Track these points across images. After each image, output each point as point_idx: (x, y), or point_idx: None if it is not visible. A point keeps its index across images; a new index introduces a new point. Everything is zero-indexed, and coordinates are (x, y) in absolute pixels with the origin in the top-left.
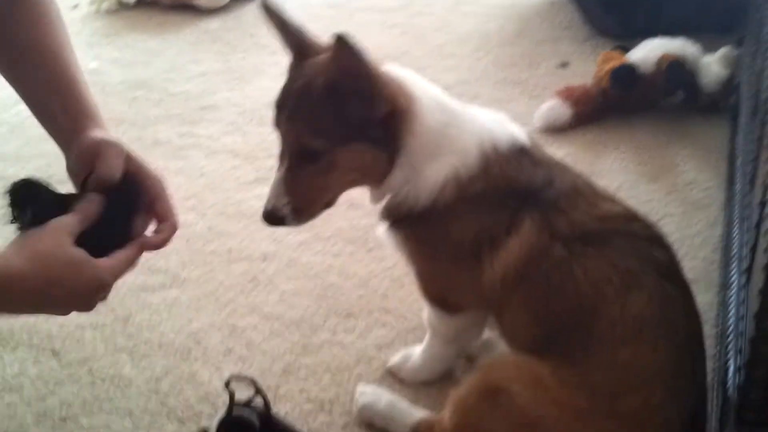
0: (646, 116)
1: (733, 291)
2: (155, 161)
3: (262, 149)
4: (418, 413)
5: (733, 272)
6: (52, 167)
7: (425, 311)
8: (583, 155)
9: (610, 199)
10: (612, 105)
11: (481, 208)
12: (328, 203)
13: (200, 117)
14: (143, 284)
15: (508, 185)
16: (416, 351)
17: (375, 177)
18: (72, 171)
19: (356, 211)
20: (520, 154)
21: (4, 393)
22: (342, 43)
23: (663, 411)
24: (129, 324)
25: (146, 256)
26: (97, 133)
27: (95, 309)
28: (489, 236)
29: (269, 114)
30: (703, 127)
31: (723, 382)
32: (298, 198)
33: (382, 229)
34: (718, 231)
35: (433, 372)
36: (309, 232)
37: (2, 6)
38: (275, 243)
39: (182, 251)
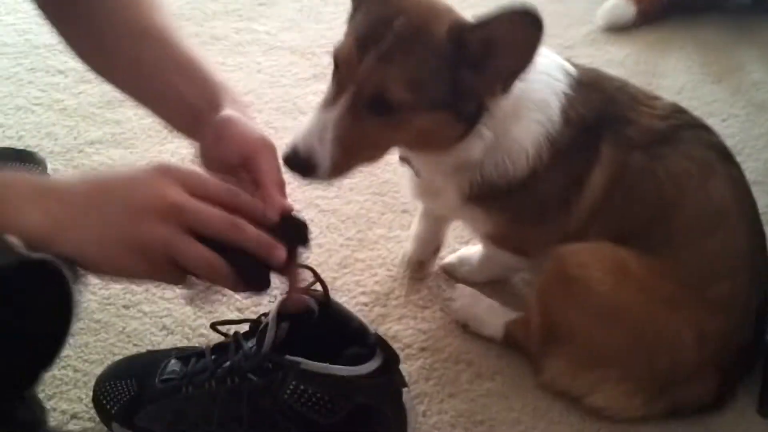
0: (712, 16)
1: None
2: (213, 57)
3: (320, 46)
4: (512, 314)
5: None
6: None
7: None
8: (646, 55)
9: (654, 96)
10: (677, 3)
11: (568, 157)
12: (369, 162)
13: (258, 13)
14: None
15: (583, 124)
16: (472, 253)
17: (440, 146)
18: (208, 158)
19: None
20: (580, 86)
21: None
22: (517, 24)
23: (746, 293)
24: None
25: None
26: (241, 122)
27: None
28: (576, 180)
29: (327, 10)
30: None
31: None
32: (345, 149)
33: (448, 206)
34: None
35: (491, 275)
36: None
37: None
38: None
39: None
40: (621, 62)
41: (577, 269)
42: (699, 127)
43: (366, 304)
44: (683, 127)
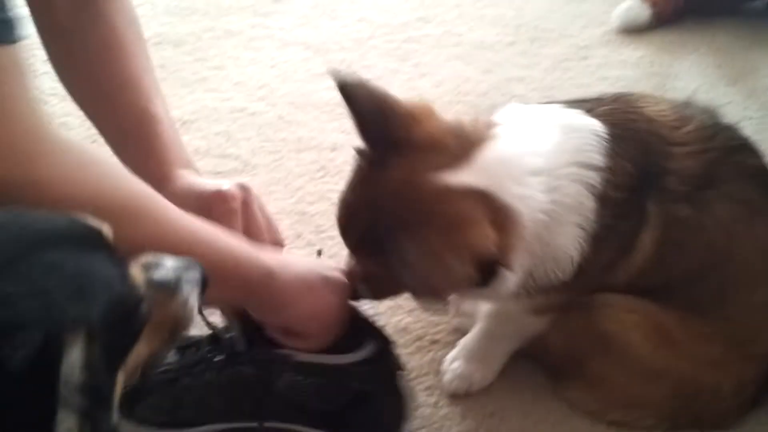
0: (727, 19)
1: None
2: (227, 52)
3: (334, 42)
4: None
5: None
6: None
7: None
8: (661, 57)
9: (675, 120)
10: (693, 6)
11: (615, 233)
12: None
13: (273, 9)
14: (215, 169)
15: (623, 194)
16: (467, 360)
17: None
18: None
19: None
20: (614, 146)
21: None
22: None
23: None
24: None
25: (217, 142)
26: (202, 183)
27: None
28: (624, 245)
29: (342, 7)
30: None
31: None
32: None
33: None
34: None
35: (501, 366)
36: None
37: (74, 35)
38: (344, 134)
39: (253, 139)
40: (636, 63)
41: (614, 326)
42: (734, 148)
43: None
44: (719, 161)
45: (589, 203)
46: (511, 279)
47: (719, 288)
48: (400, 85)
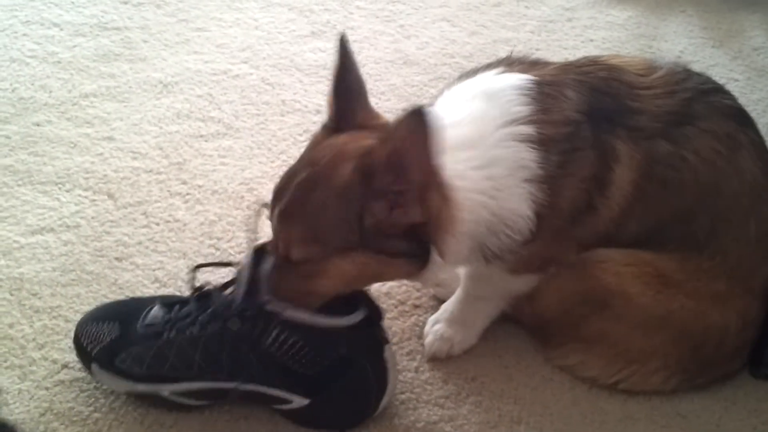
0: None
1: None
2: (210, 12)
3: (318, 3)
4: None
5: None
6: (108, 14)
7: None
8: (648, 18)
9: (643, 68)
10: None
11: (571, 169)
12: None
13: None
14: (197, 132)
15: (569, 130)
16: (448, 323)
17: (398, 278)
18: None
19: (411, 68)
20: (544, 97)
21: (62, 231)
22: (415, 120)
23: None
24: (183, 170)
25: (200, 105)
26: None
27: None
28: (594, 183)
29: None
30: None
31: None
32: (279, 297)
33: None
34: None
35: (483, 329)
36: None
37: None
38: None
39: (236, 102)
40: (622, 25)
41: (612, 279)
42: (708, 91)
43: None
44: (694, 99)
45: (530, 154)
46: (451, 253)
47: (711, 225)
48: (386, 46)
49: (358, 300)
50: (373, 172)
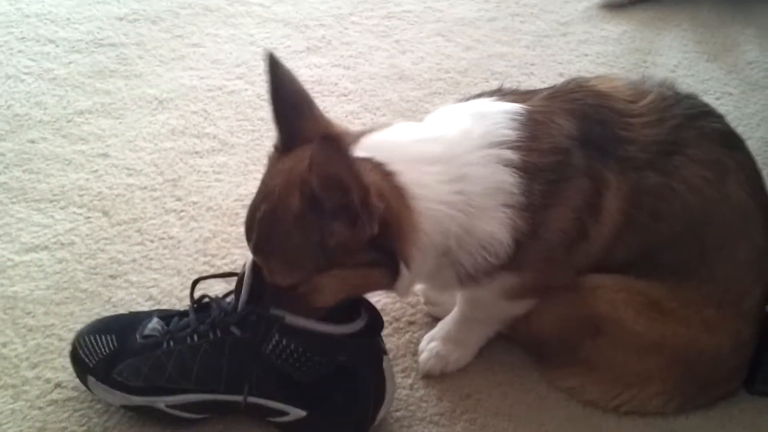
0: None
1: None
2: (205, 29)
3: (313, 18)
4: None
5: None
6: (103, 30)
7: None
8: (642, 33)
9: (632, 94)
10: None
11: (557, 199)
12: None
13: None
14: (192, 148)
15: (558, 159)
16: (444, 341)
17: (377, 289)
18: None
19: (406, 83)
20: (533, 119)
21: (56, 249)
22: (323, 147)
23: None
24: (178, 187)
25: (195, 122)
26: None
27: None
28: (588, 211)
29: None
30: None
31: None
32: (292, 310)
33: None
34: None
35: (478, 349)
36: (357, 103)
37: None
38: (324, 112)
39: (231, 118)
40: (617, 39)
41: (604, 306)
42: (697, 116)
43: None
44: (683, 126)
45: (511, 179)
46: (417, 265)
47: (701, 251)
48: (381, 62)
49: (360, 308)
50: (316, 197)
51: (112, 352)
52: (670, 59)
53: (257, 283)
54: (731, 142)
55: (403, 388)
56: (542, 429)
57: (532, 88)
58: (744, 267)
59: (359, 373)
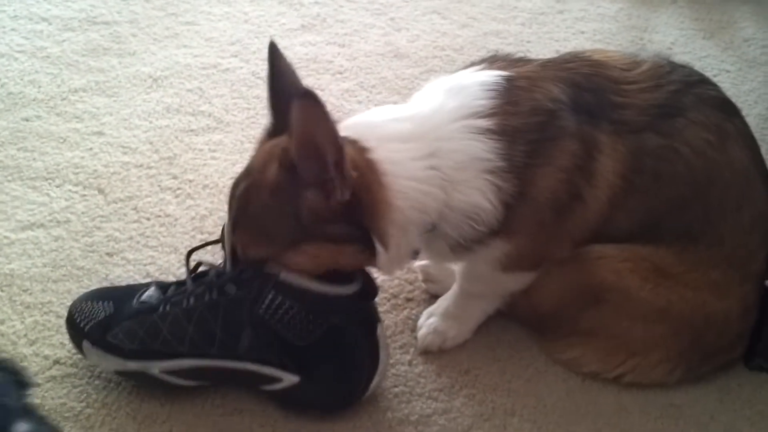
0: None
1: None
2: (199, 6)
3: None
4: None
5: None
6: (96, 8)
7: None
8: (639, 10)
9: (627, 63)
10: None
11: (542, 158)
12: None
13: None
14: (187, 126)
15: (539, 119)
16: (442, 317)
17: (355, 265)
18: None
19: (402, 61)
20: (514, 86)
21: (52, 227)
22: (305, 99)
23: None
24: (174, 165)
25: (190, 100)
26: None
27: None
28: (579, 174)
29: None
30: None
31: None
32: None
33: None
34: None
35: (477, 325)
36: (353, 81)
37: None
38: (318, 90)
39: (226, 96)
40: (613, 17)
41: (609, 276)
42: (693, 83)
43: None
44: (681, 91)
45: (486, 146)
46: (394, 243)
47: (705, 214)
48: (376, 39)
49: (356, 274)
50: (293, 164)
51: (108, 316)
52: (667, 36)
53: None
54: (729, 108)
55: (402, 364)
56: (541, 403)
57: (527, 57)
58: (749, 230)
59: (353, 337)
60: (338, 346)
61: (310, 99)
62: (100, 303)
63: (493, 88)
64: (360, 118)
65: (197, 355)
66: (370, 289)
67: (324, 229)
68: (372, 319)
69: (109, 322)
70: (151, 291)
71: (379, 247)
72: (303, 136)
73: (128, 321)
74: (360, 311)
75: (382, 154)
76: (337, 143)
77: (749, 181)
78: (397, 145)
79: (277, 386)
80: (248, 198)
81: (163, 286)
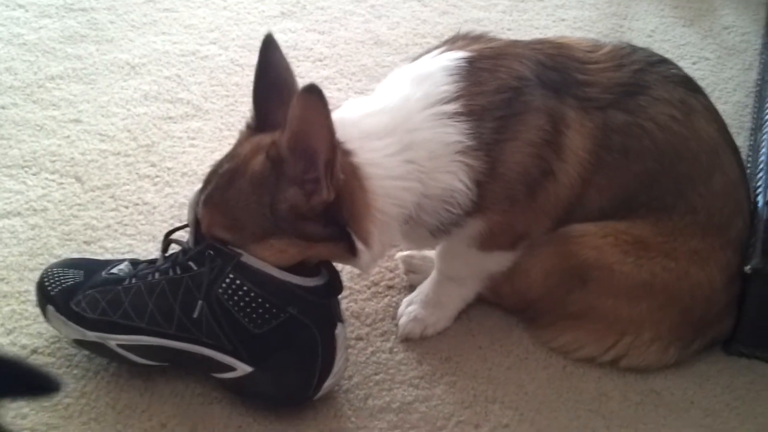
0: None
1: (765, 133)
2: None
3: None
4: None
5: (766, 114)
6: None
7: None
8: None
9: (589, 46)
10: None
11: (510, 133)
12: None
13: None
14: (166, 114)
15: (505, 96)
16: (422, 305)
17: (331, 259)
18: None
19: (382, 48)
20: (477, 67)
21: (29, 215)
22: (308, 92)
23: (748, 225)
24: (152, 153)
25: (168, 87)
26: None
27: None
28: (547, 148)
29: None
30: None
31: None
32: None
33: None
34: (753, 76)
35: (457, 312)
36: (333, 68)
37: None
38: (299, 78)
39: (205, 83)
40: (594, 4)
41: (591, 253)
42: (654, 63)
43: None
44: (643, 71)
45: (455, 129)
46: (377, 241)
47: (676, 186)
48: (356, 27)
49: (321, 268)
50: (281, 158)
51: (75, 284)
52: (647, 24)
53: None
54: (692, 86)
55: (383, 352)
56: (522, 390)
57: (488, 34)
58: (721, 197)
59: (310, 330)
60: (293, 338)
61: (315, 94)
62: (71, 271)
63: (455, 72)
64: (339, 115)
65: (155, 333)
66: (334, 285)
67: (299, 226)
68: (332, 316)
69: (75, 289)
70: (122, 266)
71: (361, 247)
72: (300, 132)
73: (93, 290)
74: (320, 307)
75: (364, 157)
76: (333, 144)
77: (718, 152)
78: (375, 143)
79: (230, 375)
80: (228, 180)
81: (135, 263)
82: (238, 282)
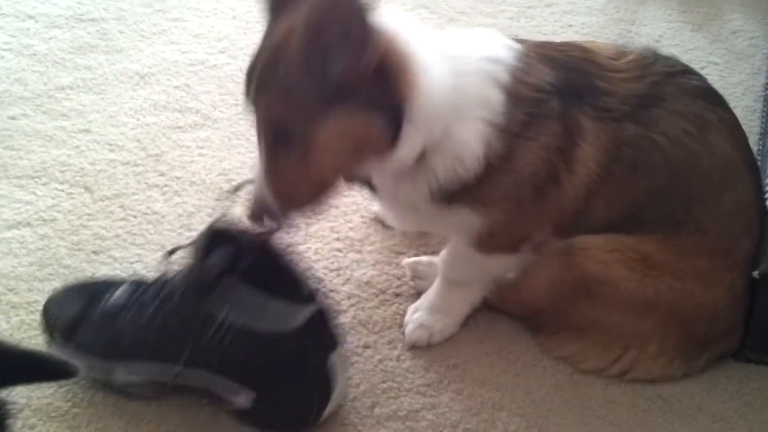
0: None
1: None
2: (186, 2)
3: None
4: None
5: None
6: (83, 5)
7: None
8: (626, 2)
9: (615, 53)
10: None
11: (532, 133)
12: (329, 193)
13: None
14: (175, 123)
15: (540, 96)
16: (429, 311)
17: (375, 152)
18: None
19: None
20: (528, 60)
21: (38, 225)
22: None
23: (757, 245)
24: (161, 162)
25: (177, 96)
26: None
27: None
28: (559, 156)
29: None
30: None
31: None
32: (279, 195)
33: (423, 216)
34: (761, 80)
35: (464, 317)
36: None
37: None
38: None
39: (213, 92)
40: (601, 10)
41: (596, 267)
42: (676, 73)
43: (340, 250)
44: (662, 83)
45: (498, 97)
46: (407, 148)
47: (686, 203)
48: None
49: (307, 299)
50: (320, 24)
51: (78, 314)
52: (655, 29)
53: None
54: (712, 98)
55: (390, 360)
56: (529, 398)
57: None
58: (731, 217)
59: (305, 364)
60: (292, 371)
61: None
62: (75, 300)
63: (515, 52)
64: (408, 29)
65: (155, 358)
66: (322, 316)
67: (353, 90)
68: (318, 349)
69: (78, 319)
70: (123, 289)
71: (406, 122)
72: (323, 9)
73: (93, 326)
74: (307, 343)
75: (415, 45)
76: (362, 19)
77: (731, 169)
78: (434, 58)
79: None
80: (273, 61)
81: (137, 283)
82: (224, 328)
